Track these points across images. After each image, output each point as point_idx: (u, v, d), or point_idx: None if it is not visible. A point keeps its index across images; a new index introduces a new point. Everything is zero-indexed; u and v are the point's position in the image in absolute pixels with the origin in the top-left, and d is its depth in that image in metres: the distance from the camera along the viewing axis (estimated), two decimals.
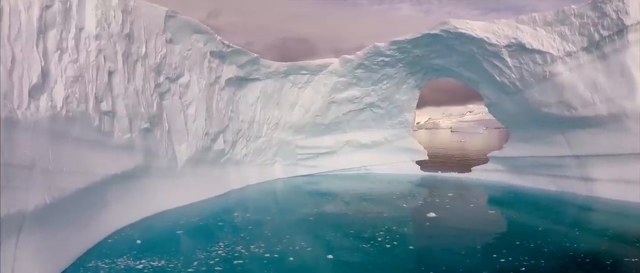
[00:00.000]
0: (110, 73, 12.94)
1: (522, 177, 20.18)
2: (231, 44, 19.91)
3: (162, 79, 16.15)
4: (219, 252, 10.45)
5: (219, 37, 19.05)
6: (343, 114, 24.92)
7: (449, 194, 18.14)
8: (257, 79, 22.57)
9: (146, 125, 14.70)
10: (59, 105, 10.27)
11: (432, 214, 13.89)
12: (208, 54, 18.75)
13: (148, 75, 15.21)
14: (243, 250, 10.60)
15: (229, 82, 20.58)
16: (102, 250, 10.55)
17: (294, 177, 25.02)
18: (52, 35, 10.56)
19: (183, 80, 17.42)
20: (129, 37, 14.09)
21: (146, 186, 14.71)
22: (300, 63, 23.48)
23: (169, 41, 16.45)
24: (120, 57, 13.45)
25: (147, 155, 14.71)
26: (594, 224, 13.33)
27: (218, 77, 19.74)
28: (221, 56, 19.74)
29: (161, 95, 16.20)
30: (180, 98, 17.22)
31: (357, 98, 24.41)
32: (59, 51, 10.69)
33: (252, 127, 22.58)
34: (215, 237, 12.13)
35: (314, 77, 24.01)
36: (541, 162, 18.91)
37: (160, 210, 14.81)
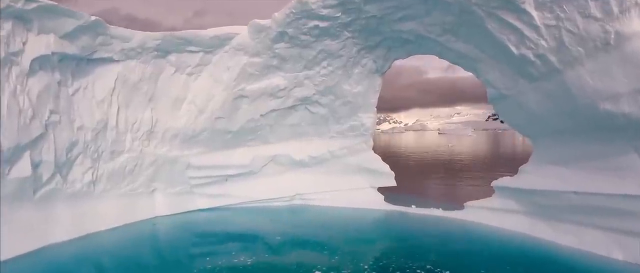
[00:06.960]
0: None
1: (556, 228, 11.47)
2: None
3: None
4: None
5: None
6: (262, 115, 16.03)
7: None
8: (110, 60, 13.71)
9: None
10: None
11: None
12: None
13: None
14: None
15: (42, 63, 11.79)
16: None
17: (185, 213, 16.02)
18: None
19: None
20: None
21: None
22: (185, 34, 14.42)
23: None
24: None
25: None
26: None
27: (13, 54, 11.00)
28: (18, 17, 11.19)
29: None
30: None
31: (282, 90, 15.56)
32: None
33: (102, 138, 13.66)
34: None
35: (211, 56, 15.08)
36: (594, 203, 10.21)
37: None
